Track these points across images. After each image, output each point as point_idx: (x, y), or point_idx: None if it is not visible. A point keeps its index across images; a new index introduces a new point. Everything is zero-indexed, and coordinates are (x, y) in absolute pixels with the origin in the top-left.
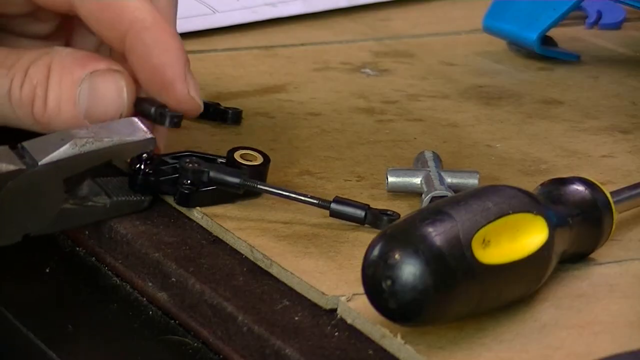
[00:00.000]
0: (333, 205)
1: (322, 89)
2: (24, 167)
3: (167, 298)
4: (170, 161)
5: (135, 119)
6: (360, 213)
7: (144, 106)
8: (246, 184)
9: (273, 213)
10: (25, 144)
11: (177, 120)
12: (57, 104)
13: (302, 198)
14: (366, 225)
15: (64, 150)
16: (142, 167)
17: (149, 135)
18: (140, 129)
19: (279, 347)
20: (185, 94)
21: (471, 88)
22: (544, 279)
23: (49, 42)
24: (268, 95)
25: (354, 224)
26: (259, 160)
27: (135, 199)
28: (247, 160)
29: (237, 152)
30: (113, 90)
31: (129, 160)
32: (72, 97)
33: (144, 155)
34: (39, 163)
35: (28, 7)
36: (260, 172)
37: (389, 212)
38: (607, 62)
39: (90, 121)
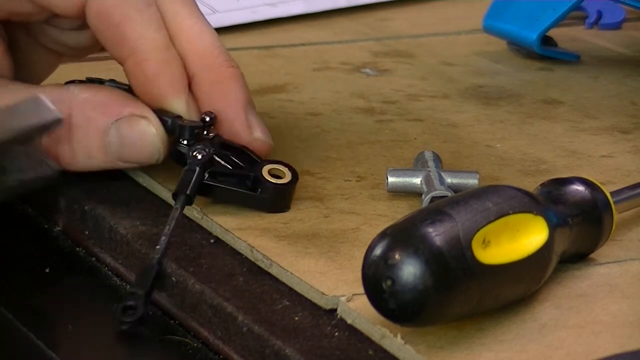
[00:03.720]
0: None
1: (322, 89)
2: None
3: (167, 298)
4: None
5: (42, 98)
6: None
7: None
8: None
9: (273, 213)
10: None
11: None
12: (87, 152)
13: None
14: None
15: None
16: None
17: (54, 115)
18: (45, 108)
19: (279, 347)
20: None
21: (471, 88)
22: (544, 279)
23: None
24: (268, 95)
25: (353, 223)
26: (287, 177)
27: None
28: (275, 176)
29: (266, 166)
30: (142, 138)
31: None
32: (102, 146)
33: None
34: None
35: (36, 9)
36: (284, 192)
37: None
38: (607, 62)
39: (128, 164)
